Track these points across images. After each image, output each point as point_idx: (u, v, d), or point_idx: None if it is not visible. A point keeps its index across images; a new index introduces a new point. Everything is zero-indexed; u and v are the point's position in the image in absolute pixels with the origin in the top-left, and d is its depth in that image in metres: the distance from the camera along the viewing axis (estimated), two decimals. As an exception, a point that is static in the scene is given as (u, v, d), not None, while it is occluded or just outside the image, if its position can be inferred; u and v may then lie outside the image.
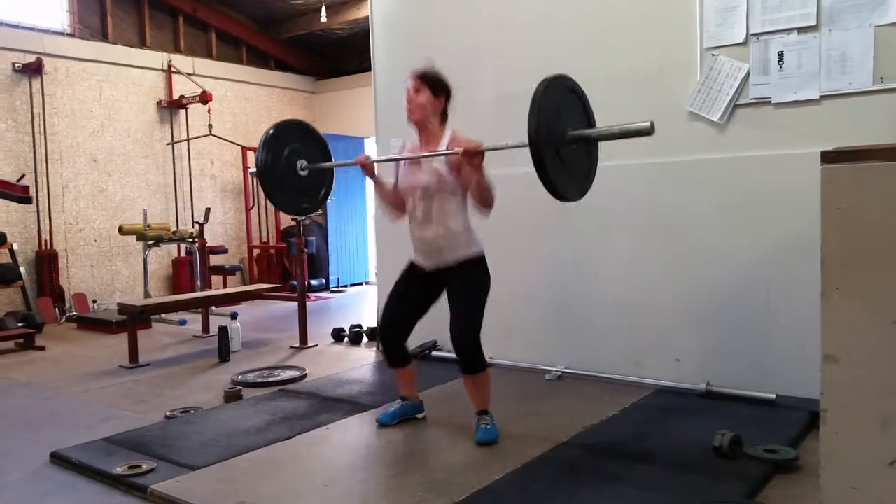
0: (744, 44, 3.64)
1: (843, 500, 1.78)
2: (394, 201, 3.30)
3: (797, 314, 3.47)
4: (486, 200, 3.02)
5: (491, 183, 3.02)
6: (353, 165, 3.31)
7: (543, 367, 4.29)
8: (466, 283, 3.15)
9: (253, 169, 3.58)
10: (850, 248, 1.78)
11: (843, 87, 3.39)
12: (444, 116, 3.20)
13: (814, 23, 3.44)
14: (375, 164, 3.35)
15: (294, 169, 3.47)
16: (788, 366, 3.53)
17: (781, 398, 3.50)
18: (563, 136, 2.75)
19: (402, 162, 3.24)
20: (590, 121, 2.96)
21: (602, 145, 4.13)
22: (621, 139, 2.88)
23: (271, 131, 3.41)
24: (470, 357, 3.10)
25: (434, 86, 3.12)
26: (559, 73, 2.81)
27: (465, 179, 3.03)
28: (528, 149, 2.63)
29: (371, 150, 8.56)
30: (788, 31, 3.51)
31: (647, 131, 2.67)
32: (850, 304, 1.78)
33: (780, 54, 3.54)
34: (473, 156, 2.89)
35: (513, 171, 4.50)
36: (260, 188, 9.44)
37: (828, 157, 1.83)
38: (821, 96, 3.45)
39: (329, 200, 9.37)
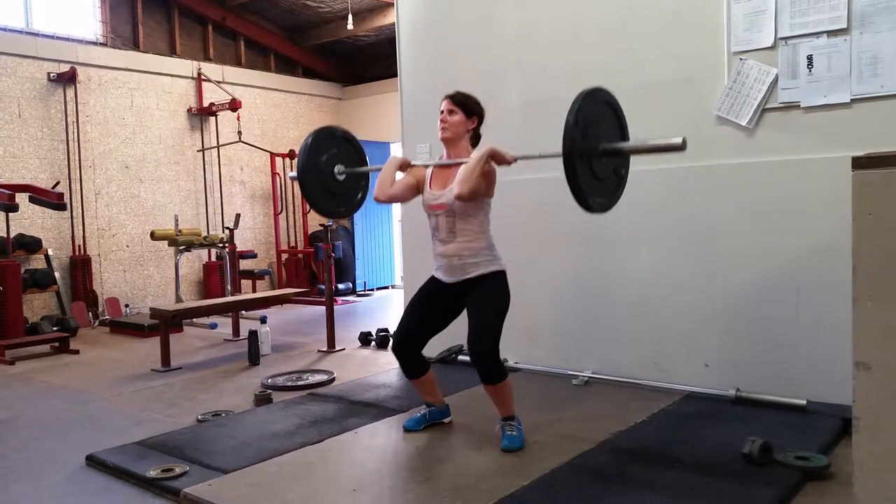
0: (772, 48, 3.61)
1: (876, 509, 1.77)
2: (392, 191, 3.31)
3: (828, 319, 3.43)
4: (467, 184, 3.00)
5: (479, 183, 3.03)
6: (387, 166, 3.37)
7: (570, 373, 4.29)
8: (487, 293, 3.17)
9: (292, 174, 3.67)
10: (882, 254, 1.76)
11: (875, 91, 3.34)
12: (475, 139, 3.26)
13: (844, 25, 3.40)
14: (411, 165, 3.41)
15: (332, 173, 3.56)
16: (819, 371, 3.49)
17: (812, 404, 3.46)
18: (596, 149, 2.80)
19: (427, 182, 3.28)
20: (623, 134, 2.99)
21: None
22: (653, 154, 2.93)
23: (311, 138, 3.49)
24: (488, 368, 3.11)
25: (466, 107, 3.22)
26: (597, 86, 2.85)
27: (469, 165, 3.04)
28: (558, 158, 2.66)
29: (397, 154, 8.58)
30: (818, 34, 3.48)
31: (679, 147, 2.71)
32: (883, 311, 1.76)
33: (810, 58, 3.51)
34: (494, 155, 3.02)
35: (540, 175, 4.52)
36: (287, 194, 9.56)
37: (859, 163, 1.81)
38: (851, 100, 3.41)
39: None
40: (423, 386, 3.43)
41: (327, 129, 3.65)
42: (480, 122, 3.26)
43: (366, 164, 3.72)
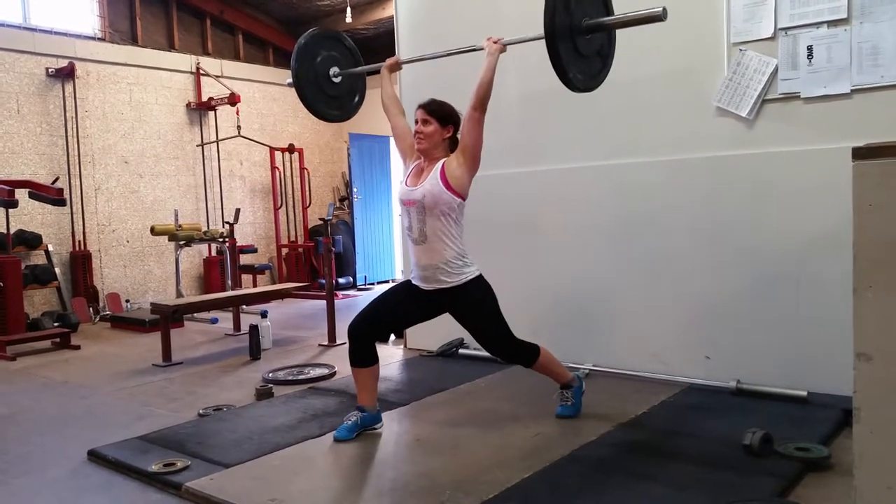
0: (772, 38, 3.60)
1: (877, 500, 1.77)
2: (389, 100, 3.51)
3: (828, 310, 3.43)
4: (483, 96, 3.06)
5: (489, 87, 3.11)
6: (381, 66, 3.57)
7: (571, 365, 4.27)
8: (472, 305, 3.19)
9: (289, 80, 3.71)
10: (883, 245, 1.76)
11: (876, 81, 3.33)
12: (452, 144, 3.22)
13: (844, 16, 3.39)
14: (401, 64, 3.66)
15: (327, 75, 3.59)
16: (820, 362, 3.49)
17: (813, 395, 3.46)
18: (580, 26, 2.93)
19: (406, 176, 3.28)
20: (608, 10, 3.11)
21: (631, 142, 4.13)
22: (635, 26, 3.02)
23: (304, 40, 3.52)
24: (519, 358, 3.30)
25: (441, 117, 3.18)
26: None
27: (483, 77, 3.09)
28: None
29: (396, 148, 8.56)
30: (818, 24, 3.47)
31: (659, 17, 2.84)
32: (883, 301, 1.76)
33: (810, 48, 3.50)
34: (494, 46, 3.14)
35: (540, 168, 4.52)
36: (287, 188, 9.54)
37: (859, 154, 1.81)
38: (852, 90, 3.40)
39: (356, 198, 9.47)
40: (364, 379, 3.30)
41: (321, 32, 3.69)
42: (456, 129, 3.20)
43: (360, 65, 3.79)
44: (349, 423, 3.26)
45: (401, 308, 3.33)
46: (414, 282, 3.28)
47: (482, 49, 3.19)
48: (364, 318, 3.25)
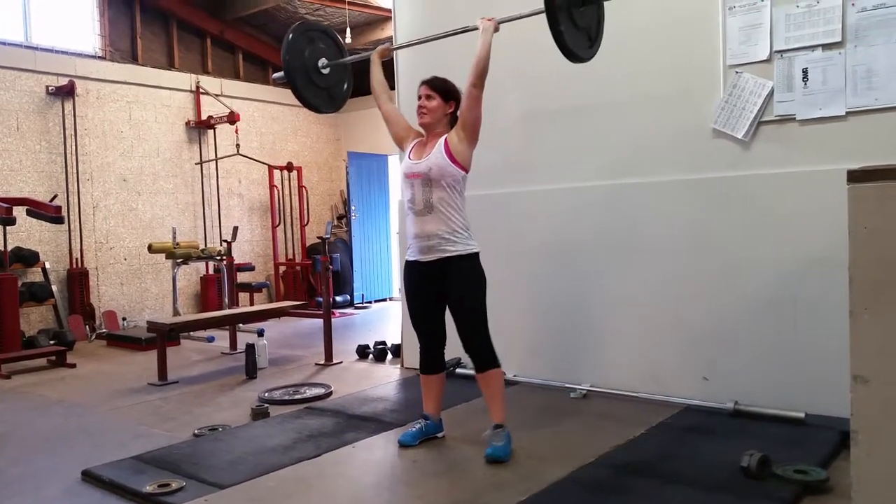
0: (768, 61, 3.63)
1: (875, 523, 1.76)
2: (379, 86, 3.52)
3: (826, 332, 3.43)
4: (481, 72, 3.15)
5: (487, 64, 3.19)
6: (370, 53, 3.58)
7: (568, 385, 4.28)
8: (467, 284, 3.22)
9: (278, 74, 3.75)
10: (879, 267, 1.76)
11: (870, 104, 3.36)
12: (453, 121, 3.32)
13: (839, 39, 3.43)
14: (392, 50, 3.65)
15: (316, 67, 3.69)
16: (818, 384, 3.48)
17: (811, 417, 3.45)
18: None
19: (408, 151, 3.36)
20: None
21: (628, 163, 4.15)
22: None
23: (291, 35, 3.59)
24: (483, 354, 3.23)
25: (443, 92, 3.30)
26: None
27: (479, 54, 3.18)
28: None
29: (394, 167, 8.61)
30: (813, 47, 3.50)
31: None
32: (880, 324, 1.76)
33: (805, 71, 3.53)
34: (489, 25, 3.21)
35: (536, 188, 4.53)
36: (285, 206, 9.55)
37: (854, 176, 1.82)
38: (847, 113, 3.43)
39: (354, 216, 9.49)
40: (431, 386, 3.43)
41: (305, 25, 3.72)
42: (457, 105, 3.30)
43: (346, 55, 3.84)
44: (414, 429, 3.38)
45: (433, 305, 3.34)
46: (412, 257, 3.31)
47: (476, 29, 3.27)
48: (430, 339, 3.39)
